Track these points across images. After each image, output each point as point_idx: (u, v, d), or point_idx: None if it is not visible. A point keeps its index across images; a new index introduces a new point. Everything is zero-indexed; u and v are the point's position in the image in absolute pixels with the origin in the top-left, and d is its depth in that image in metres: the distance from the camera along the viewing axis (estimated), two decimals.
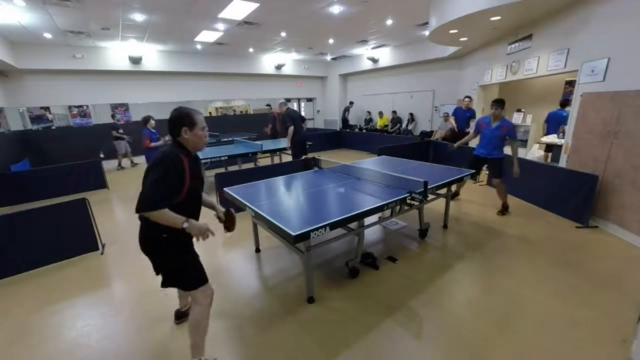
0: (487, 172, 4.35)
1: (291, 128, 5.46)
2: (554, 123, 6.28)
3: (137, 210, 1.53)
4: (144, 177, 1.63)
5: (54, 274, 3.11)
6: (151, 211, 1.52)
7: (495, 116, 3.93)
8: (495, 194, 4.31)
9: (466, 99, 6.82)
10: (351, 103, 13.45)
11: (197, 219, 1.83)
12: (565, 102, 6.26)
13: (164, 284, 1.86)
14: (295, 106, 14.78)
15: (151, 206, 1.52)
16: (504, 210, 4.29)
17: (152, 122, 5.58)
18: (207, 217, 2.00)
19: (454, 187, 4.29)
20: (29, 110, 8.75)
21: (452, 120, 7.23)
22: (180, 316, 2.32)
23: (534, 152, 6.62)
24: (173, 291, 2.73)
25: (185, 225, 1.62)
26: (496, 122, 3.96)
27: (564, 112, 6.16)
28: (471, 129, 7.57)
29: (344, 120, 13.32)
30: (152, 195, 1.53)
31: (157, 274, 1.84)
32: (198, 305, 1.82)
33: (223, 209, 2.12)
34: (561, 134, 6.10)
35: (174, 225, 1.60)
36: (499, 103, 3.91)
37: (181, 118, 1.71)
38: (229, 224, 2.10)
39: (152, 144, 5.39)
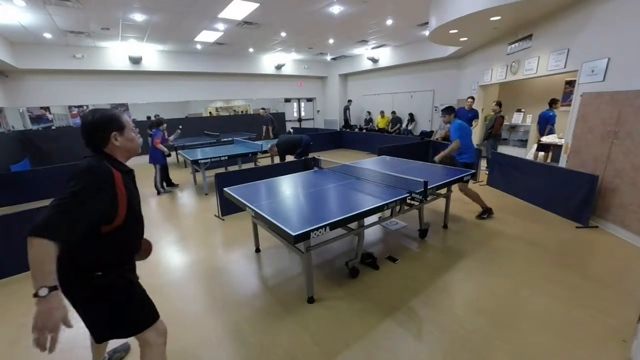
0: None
1: (296, 152, 5.73)
2: (542, 123, 6.33)
3: (30, 233, 1.01)
4: None
5: None
6: (34, 237, 1.01)
7: (446, 122, 4.14)
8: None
9: (469, 100, 6.82)
10: (349, 101, 13.46)
11: (139, 246, 1.51)
12: (552, 102, 6.30)
13: (101, 337, 1.40)
14: (295, 106, 14.79)
15: (39, 230, 1.01)
16: (485, 213, 4.11)
17: (164, 125, 5.77)
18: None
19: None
20: (29, 110, 8.75)
21: None
22: None
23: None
24: (177, 291, 2.74)
25: (43, 293, 1.00)
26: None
27: (551, 112, 6.24)
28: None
29: (345, 121, 13.33)
30: (50, 217, 1.05)
31: (89, 326, 1.36)
32: (150, 348, 1.44)
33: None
34: (547, 133, 6.20)
35: (33, 273, 1.01)
36: (445, 111, 4.05)
37: (108, 122, 1.31)
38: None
39: (160, 146, 5.59)
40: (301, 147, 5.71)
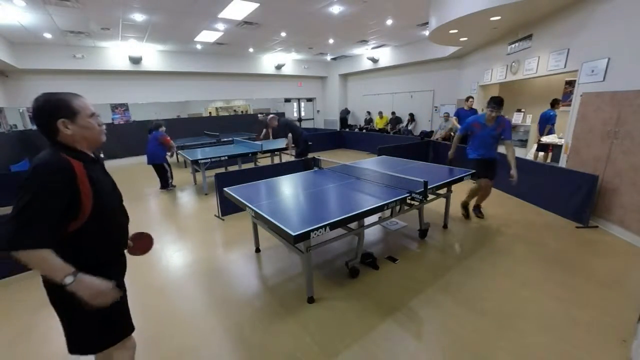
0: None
1: (290, 136, 5.77)
2: (542, 123, 6.37)
3: (9, 249, 1.01)
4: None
5: None
6: (13, 251, 1.01)
7: (492, 117, 3.67)
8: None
9: (470, 99, 6.83)
10: (346, 109, 13.81)
11: (125, 243, 1.41)
12: (554, 102, 6.35)
13: (76, 349, 1.29)
14: (295, 106, 14.80)
15: (13, 244, 1.00)
16: (474, 209, 4.22)
17: (163, 128, 5.90)
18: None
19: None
20: (29, 110, 8.75)
21: (454, 121, 7.23)
22: None
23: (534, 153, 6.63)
24: (177, 291, 2.75)
25: (68, 280, 1.07)
26: (492, 122, 3.71)
27: (552, 112, 6.29)
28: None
29: (343, 120, 13.48)
30: (15, 228, 1.02)
31: (66, 334, 1.29)
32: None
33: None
34: (547, 133, 6.26)
35: (51, 277, 1.07)
36: (497, 104, 3.59)
37: (53, 108, 1.14)
38: (137, 247, 1.57)
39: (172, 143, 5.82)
40: (300, 143, 5.75)
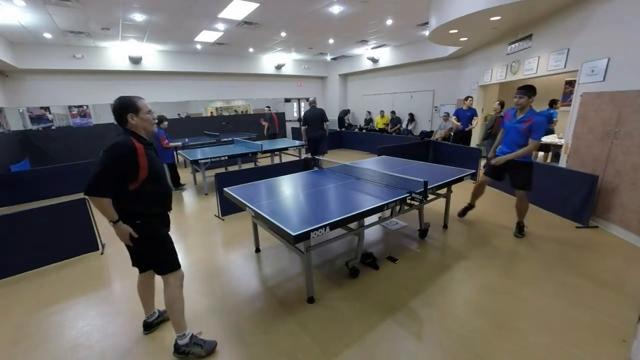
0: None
1: (303, 129, 6.17)
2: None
3: (85, 193, 1.63)
4: None
5: (54, 274, 3.11)
6: (88, 196, 1.62)
7: (519, 106, 3.15)
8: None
9: (469, 99, 6.85)
10: (344, 110, 13.88)
11: (169, 206, 1.96)
12: (552, 103, 6.42)
13: (143, 268, 2.08)
14: (295, 106, 14.79)
15: (88, 191, 1.61)
16: (521, 230, 3.59)
17: (165, 123, 5.75)
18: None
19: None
20: (29, 110, 8.74)
21: (453, 120, 7.24)
22: (148, 327, 2.25)
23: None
24: None
25: (115, 222, 1.72)
26: (521, 114, 3.18)
27: (552, 110, 6.41)
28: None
29: (341, 120, 13.53)
30: (91, 181, 1.61)
31: (134, 264, 2.04)
32: (169, 287, 1.93)
33: None
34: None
35: (104, 215, 1.69)
36: (523, 90, 3.09)
37: (124, 106, 1.76)
38: None
39: (171, 144, 5.62)
40: (308, 135, 6.09)
